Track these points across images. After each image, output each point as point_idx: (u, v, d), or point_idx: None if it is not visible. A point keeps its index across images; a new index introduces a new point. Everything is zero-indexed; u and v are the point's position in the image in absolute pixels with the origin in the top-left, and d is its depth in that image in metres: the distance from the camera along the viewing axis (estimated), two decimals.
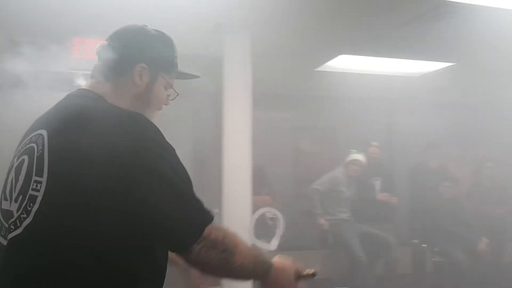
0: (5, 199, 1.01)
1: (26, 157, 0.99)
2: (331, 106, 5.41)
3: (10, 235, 0.93)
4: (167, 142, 0.97)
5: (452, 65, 4.18)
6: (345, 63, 4.15)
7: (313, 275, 1.23)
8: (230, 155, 3.16)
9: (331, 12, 3.00)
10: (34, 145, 0.99)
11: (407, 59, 4.04)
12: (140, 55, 1.11)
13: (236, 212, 3.11)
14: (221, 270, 1.02)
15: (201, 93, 3.67)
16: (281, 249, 4.89)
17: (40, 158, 0.95)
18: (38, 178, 0.93)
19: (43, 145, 0.96)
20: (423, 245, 4.65)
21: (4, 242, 0.95)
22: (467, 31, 3.23)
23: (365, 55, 3.93)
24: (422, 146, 5.08)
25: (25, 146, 1.03)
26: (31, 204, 0.92)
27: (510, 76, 4.64)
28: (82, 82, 1.13)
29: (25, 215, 0.92)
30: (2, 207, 1.01)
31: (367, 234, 4.33)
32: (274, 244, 3.35)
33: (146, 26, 1.16)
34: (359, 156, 4.39)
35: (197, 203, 0.98)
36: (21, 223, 0.92)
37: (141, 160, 0.90)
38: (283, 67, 4.22)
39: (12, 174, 1.02)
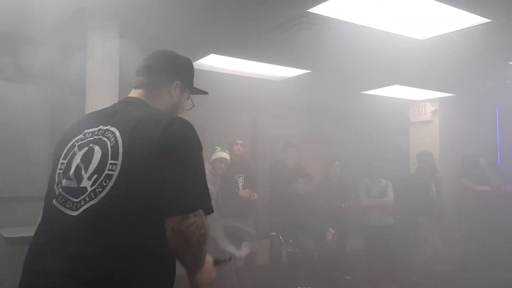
0: (68, 179, 1.28)
1: (96, 147, 1.29)
2: (199, 104, 5.46)
3: (86, 206, 1.21)
4: (198, 138, 1.34)
5: (308, 72, 4.56)
6: (215, 63, 4.24)
7: (229, 260, 1.52)
8: None
9: (204, 10, 3.03)
10: (104, 138, 1.30)
11: (271, 63, 4.28)
12: (175, 74, 1.50)
13: None
14: (192, 250, 1.29)
15: (65, 83, 3.39)
16: None
17: (114, 147, 1.26)
18: (113, 161, 1.24)
19: (115, 138, 1.28)
20: (280, 237, 5.00)
21: (74, 213, 1.22)
22: (324, 42, 3.57)
23: (233, 57, 4.06)
24: (281, 145, 5.45)
25: (90, 137, 1.33)
26: (107, 181, 1.22)
27: (356, 85, 5.28)
28: None
29: (100, 189, 1.22)
30: (63, 185, 1.28)
31: (231, 227, 4.50)
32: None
33: (175, 52, 1.55)
34: (224, 154, 4.52)
35: (207, 190, 1.32)
36: (96, 195, 1.21)
37: (180, 150, 1.26)
38: None
39: (77, 160, 1.29)
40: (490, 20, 3.02)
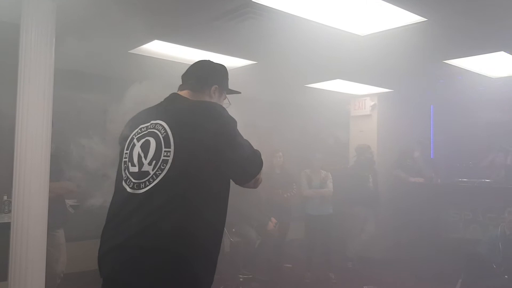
0: (133, 165, 1.59)
1: (151, 138, 1.58)
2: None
3: (149, 186, 1.51)
4: (233, 118, 1.63)
5: (254, 63, 4.58)
6: (159, 49, 4.14)
7: None
8: (24, 136, 2.81)
9: None
10: (156, 131, 1.59)
11: (216, 53, 4.25)
12: (214, 79, 1.82)
13: (30, 199, 2.79)
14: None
15: None
16: (79, 238, 4.65)
17: (166, 137, 1.55)
18: (167, 149, 1.53)
19: (165, 130, 1.56)
20: None
21: (140, 191, 1.52)
22: (269, 33, 3.59)
23: (178, 44, 3.98)
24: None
25: (145, 131, 1.62)
26: (164, 165, 1.51)
27: (300, 78, 5.38)
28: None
29: (159, 172, 1.51)
30: (130, 171, 1.59)
31: None
32: None
33: (212, 61, 1.89)
34: None
35: (257, 154, 1.66)
36: (157, 177, 1.51)
37: (224, 130, 1.56)
38: (93, 45, 3.97)
39: (138, 150, 1.60)
40: (426, 19, 3.18)
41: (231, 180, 1.64)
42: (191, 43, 3.97)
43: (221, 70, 1.90)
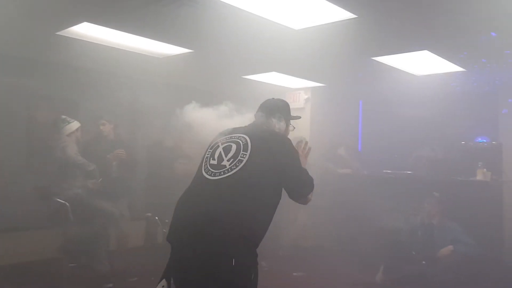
0: (213, 160, 2.07)
1: (233, 144, 2.08)
2: (72, 76, 5.06)
3: (222, 176, 1.97)
4: (297, 151, 2.29)
5: (190, 51, 4.50)
6: (89, 32, 3.93)
7: None
8: None
9: None
10: (239, 140, 2.11)
11: (151, 38, 4.12)
12: (281, 112, 2.43)
13: None
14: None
15: None
16: None
17: (245, 145, 2.05)
18: (244, 153, 2.02)
19: (246, 141, 2.08)
20: (156, 218, 4.92)
21: (212, 178, 1.99)
22: (206, 22, 3.54)
23: (109, 27, 3.81)
24: (161, 125, 5.34)
25: (229, 140, 2.14)
26: (239, 163, 1.98)
27: (238, 69, 5.38)
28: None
29: (234, 167, 1.97)
30: (210, 163, 2.06)
31: (96, 209, 4.36)
32: None
33: (280, 99, 2.56)
34: (77, 123, 4.45)
35: (310, 179, 2.18)
36: (231, 170, 1.97)
37: (289, 155, 2.11)
38: (17, 25, 3.70)
39: (220, 150, 2.09)
40: (356, 16, 3.30)
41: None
42: (124, 27, 3.81)
43: (285, 105, 2.54)
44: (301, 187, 2.14)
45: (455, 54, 4.36)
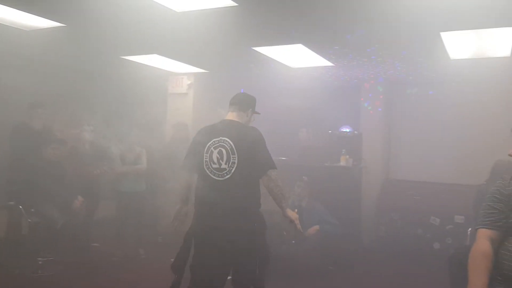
0: (214, 163, 2.81)
1: (223, 149, 2.80)
2: None
3: (226, 176, 2.77)
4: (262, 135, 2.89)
5: (62, 26, 4.16)
6: None
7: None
8: None
9: None
10: (225, 144, 2.81)
11: (17, 9, 3.68)
12: (250, 105, 3.06)
13: None
14: (277, 195, 2.83)
15: None
16: None
17: (232, 149, 2.79)
18: (233, 155, 2.78)
19: (230, 144, 2.80)
20: (20, 206, 4.51)
21: (221, 179, 2.79)
22: None
23: None
24: (26, 104, 4.89)
25: (218, 145, 2.83)
26: (233, 165, 2.77)
27: (115, 48, 5.13)
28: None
29: (232, 169, 2.77)
30: (213, 167, 2.81)
31: None
32: None
33: (245, 93, 3.19)
34: None
35: (271, 158, 2.85)
36: (230, 172, 2.77)
37: (261, 142, 2.83)
38: None
39: (216, 154, 2.81)
40: (237, 5, 3.38)
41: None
42: None
43: (253, 99, 3.12)
44: (270, 163, 2.80)
45: (325, 49, 4.74)
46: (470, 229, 4.13)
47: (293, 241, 4.78)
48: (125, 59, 5.52)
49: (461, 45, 4.26)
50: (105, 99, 6.31)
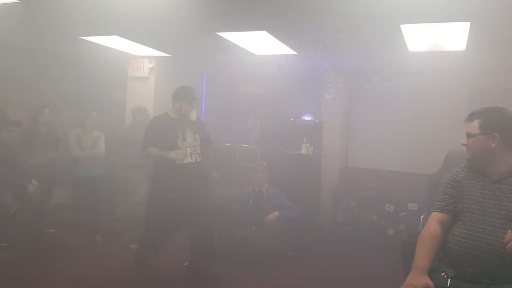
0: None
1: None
2: None
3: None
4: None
5: (16, 2, 3.95)
6: None
7: None
8: None
9: None
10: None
11: None
12: (179, 97, 4.14)
13: None
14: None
15: None
16: None
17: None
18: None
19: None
20: None
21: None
22: None
23: None
24: None
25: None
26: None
27: (73, 27, 4.93)
28: None
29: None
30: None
31: None
32: None
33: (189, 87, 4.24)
34: None
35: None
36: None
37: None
38: None
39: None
40: None
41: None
42: None
43: (190, 89, 4.15)
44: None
45: (289, 37, 4.76)
46: (422, 216, 4.32)
47: (253, 227, 4.84)
48: (84, 39, 5.32)
49: (420, 38, 4.40)
50: (63, 81, 6.07)
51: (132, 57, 6.39)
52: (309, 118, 6.21)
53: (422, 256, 2.06)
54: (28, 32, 5.15)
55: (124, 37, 5.19)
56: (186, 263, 4.19)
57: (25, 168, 4.67)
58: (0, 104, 4.90)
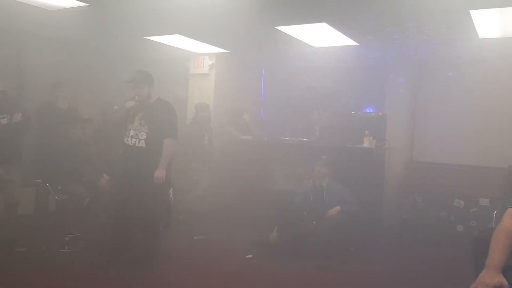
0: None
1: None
2: None
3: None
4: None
5: (86, 5, 4.18)
6: None
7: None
8: None
9: None
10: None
11: None
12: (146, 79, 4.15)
13: None
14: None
15: None
16: None
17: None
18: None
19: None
20: (47, 184, 4.63)
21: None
22: None
23: None
24: (52, 84, 4.98)
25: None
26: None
27: (139, 28, 5.13)
28: None
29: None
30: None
31: None
32: None
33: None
34: None
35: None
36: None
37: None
38: None
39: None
40: None
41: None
42: None
43: (148, 74, 4.15)
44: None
45: (349, 28, 4.63)
46: (496, 212, 4.05)
47: (314, 222, 4.79)
48: (148, 39, 5.53)
49: (490, 24, 4.10)
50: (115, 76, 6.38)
51: (193, 54, 6.54)
52: (371, 111, 6.03)
53: (496, 253, 1.94)
54: (97, 33, 5.44)
55: (185, 36, 5.33)
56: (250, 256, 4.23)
57: (97, 163, 4.97)
58: (72, 103, 5.21)
